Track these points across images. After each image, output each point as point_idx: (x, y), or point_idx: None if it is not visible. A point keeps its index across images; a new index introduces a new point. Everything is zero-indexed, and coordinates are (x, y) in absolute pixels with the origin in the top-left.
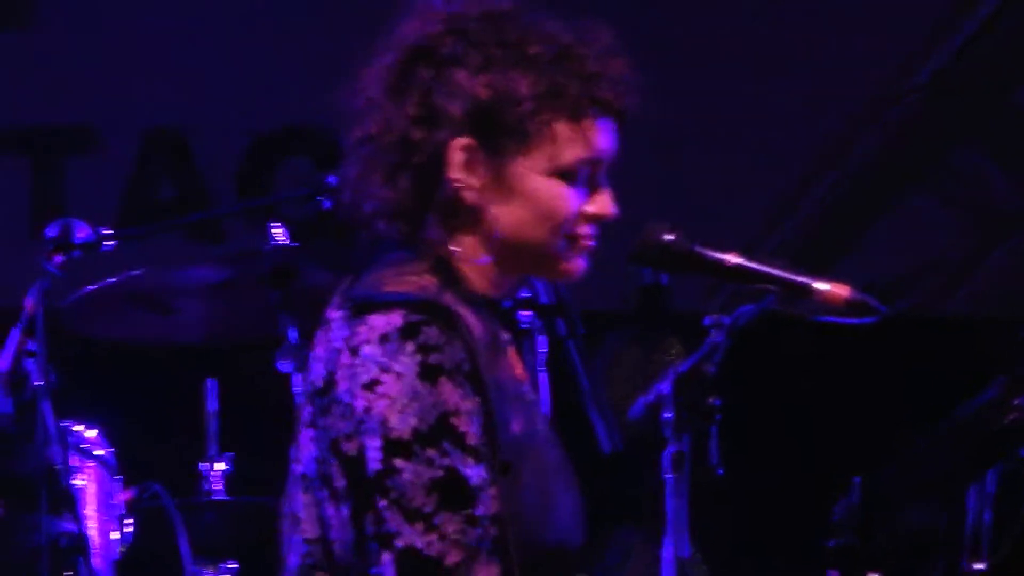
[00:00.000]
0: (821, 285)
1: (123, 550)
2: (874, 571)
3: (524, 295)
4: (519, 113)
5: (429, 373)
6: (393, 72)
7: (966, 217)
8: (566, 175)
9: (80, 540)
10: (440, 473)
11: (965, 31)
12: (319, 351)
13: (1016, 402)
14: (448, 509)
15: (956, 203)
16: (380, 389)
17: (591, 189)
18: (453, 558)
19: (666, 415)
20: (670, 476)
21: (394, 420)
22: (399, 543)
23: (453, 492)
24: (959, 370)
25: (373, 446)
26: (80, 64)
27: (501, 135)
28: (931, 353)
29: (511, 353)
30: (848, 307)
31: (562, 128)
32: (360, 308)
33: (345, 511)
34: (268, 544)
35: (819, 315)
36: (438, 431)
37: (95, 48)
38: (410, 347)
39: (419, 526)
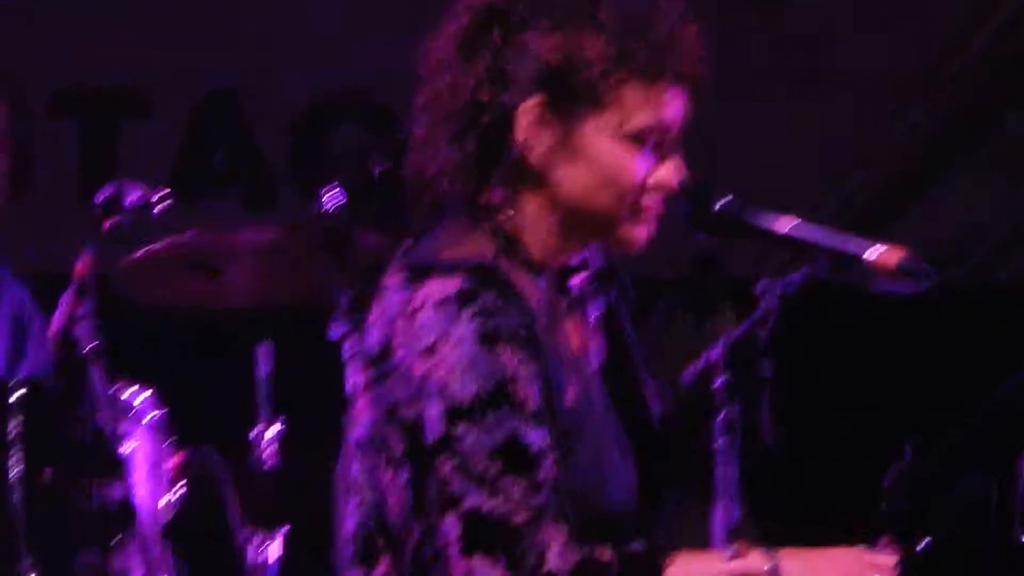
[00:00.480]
0: (872, 252)
1: (173, 515)
2: (926, 537)
3: (576, 261)
4: (588, 76)
5: (487, 338)
6: (464, 33)
7: (1017, 186)
8: (635, 140)
9: (129, 506)
10: (501, 439)
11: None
12: (375, 317)
13: None
14: (512, 474)
15: (1007, 171)
16: (438, 355)
17: (659, 157)
18: (520, 518)
19: (717, 382)
20: (721, 442)
21: (454, 386)
22: (466, 505)
23: (516, 457)
24: (1011, 339)
25: (433, 412)
26: (131, 25)
27: (569, 97)
28: (983, 321)
29: (569, 321)
30: (899, 273)
31: (631, 92)
32: (416, 273)
33: (404, 476)
34: (320, 511)
35: (871, 282)
36: (498, 396)
37: (146, 7)
38: (467, 313)
39: (484, 490)
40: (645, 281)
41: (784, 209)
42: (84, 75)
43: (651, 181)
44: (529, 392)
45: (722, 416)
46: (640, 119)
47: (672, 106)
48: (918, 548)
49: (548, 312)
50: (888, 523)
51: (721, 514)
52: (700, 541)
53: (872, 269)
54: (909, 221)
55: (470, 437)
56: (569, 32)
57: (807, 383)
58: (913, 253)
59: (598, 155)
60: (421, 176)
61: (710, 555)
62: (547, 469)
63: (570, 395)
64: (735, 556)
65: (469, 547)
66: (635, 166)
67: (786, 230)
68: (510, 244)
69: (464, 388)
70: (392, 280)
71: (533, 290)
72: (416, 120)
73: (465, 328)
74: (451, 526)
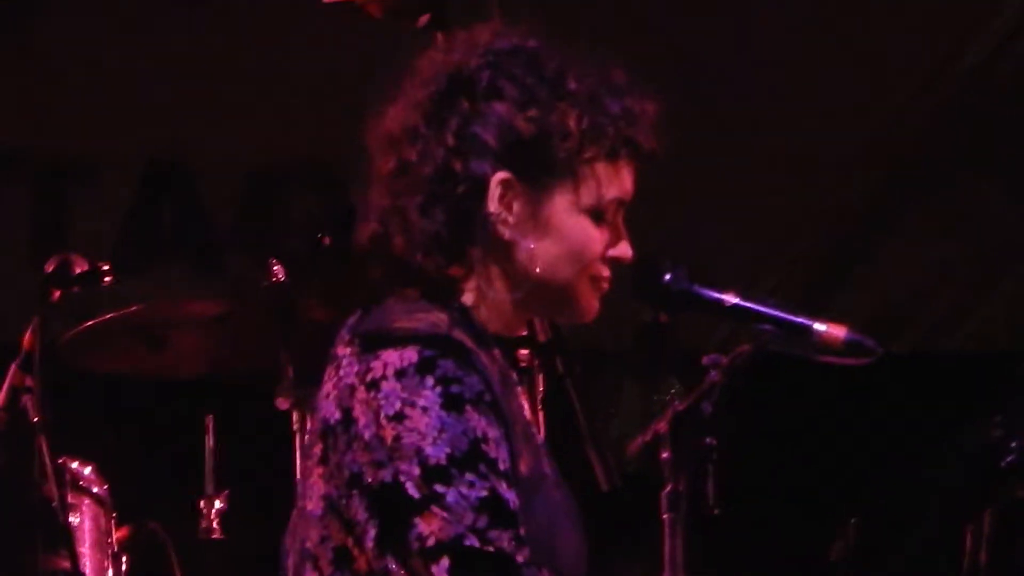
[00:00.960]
0: (819, 326)
1: None
2: None
3: (522, 333)
4: (564, 149)
5: (453, 403)
6: (431, 103)
7: (968, 251)
8: (597, 215)
9: None
10: (484, 493)
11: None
12: (329, 388)
13: (1013, 444)
14: (499, 527)
15: (950, 242)
16: (408, 423)
17: (613, 231)
18: (521, 557)
19: (664, 455)
20: (667, 515)
21: (428, 450)
22: (462, 545)
23: (499, 511)
24: (957, 407)
25: (411, 474)
26: (79, 93)
27: (542, 170)
28: (929, 390)
29: (520, 393)
30: (845, 348)
31: (601, 167)
32: (370, 344)
33: (368, 542)
34: None
35: (816, 355)
36: (472, 456)
37: (95, 75)
38: (429, 381)
39: (478, 537)
40: (592, 353)
41: (725, 282)
42: (34, 143)
43: (610, 253)
44: (499, 453)
45: (668, 489)
46: (608, 192)
47: (629, 180)
48: None
49: (502, 382)
50: None
51: None
52: None
53: (820, 343)
54: (851, 291)
55: (451, 495)
56: (544, 104)
57: (754, 456)
58: (857, 328)
59: (566, 229)
60: (386, 246)
61: None
62: (520, 528)
63: (523, 464)
64: None
65: None
66: (598, 240)
67: (734, 303)
68: (464, 316)
69: (438, 451)
70: (344, 351)
71: (486, 361)
72: (376, 190)
73: (429, 396)
74: (439, 572)
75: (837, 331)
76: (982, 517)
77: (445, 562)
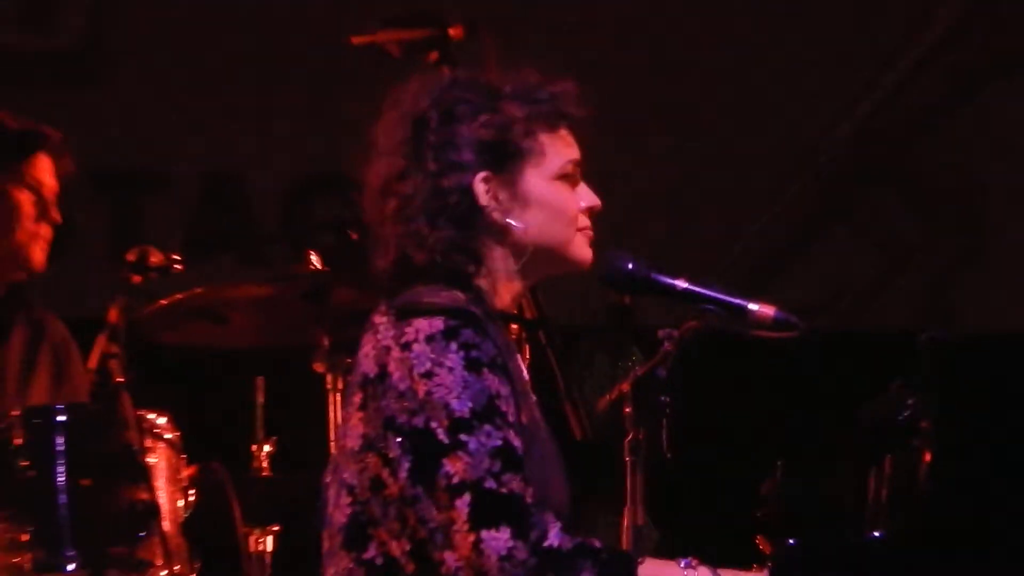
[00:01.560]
0: (753, 306)
1: (187, 515)
2: (793, 536)
3: (513, 312)
4: (517, 135)
5: (473, 365)
6: (407, 146)
7: (875, 249)
8: (563, 177)
9: (153, 507)
10: (499, 443)
11: (879, 95)
12: (367, 348)
13: (909, 402)
14: (510, 471)
15: (869, 239)
16: (436, 380)
17: (580, 187)
18: (529, 498)
19: (627, 410)
20: (629, 458)
21: (454, 404)
22: (480, 488)
23: (510, 457)
24: (866, 375)
25: (440, 424)
26: (149, 116)
27: (508, 159)
28: (845, 361)
29: (519, 358)
30: (774, 324)
31: (546, 139)
32: (403, 314)
33: (403, 473)
34: (305, 510)
35: (751, 330)
36: (489, 411)
37: (165, 108)
38: (453, 346)
39: (494, 480)
40: (569, 328)
41: (685, 266)
42: (116, 159)
43: (583, 205)
44: (509, 408)
45: (630, 437)
46: (561, 157)
47: (570, 143)
48: (788, 547)
49: (506, 348)
50: (763, 524)
51: (629, 520)
52: (612, 539)
53: (754, 320)
54: (786, 279)
55: (472, 443)
56: (489, 110)
57: (700, 411)
58: (785, 307)
59: (542, 197)
60: (408, 263)
61: (669, 564)
62: (526, 472)
63: (524, 415)
64: (689, 566)
65: (478, 521)
66: (569, 199)
67: (684, 287)
68: (477, 296)
69: (462, 406)
70: (380, 320)
71: (494, 331)
72: (386, 228)
73: (454, 357)
74: (462, 506)
75: (767, 310)
76: (883, 462)
77: (467, 497)
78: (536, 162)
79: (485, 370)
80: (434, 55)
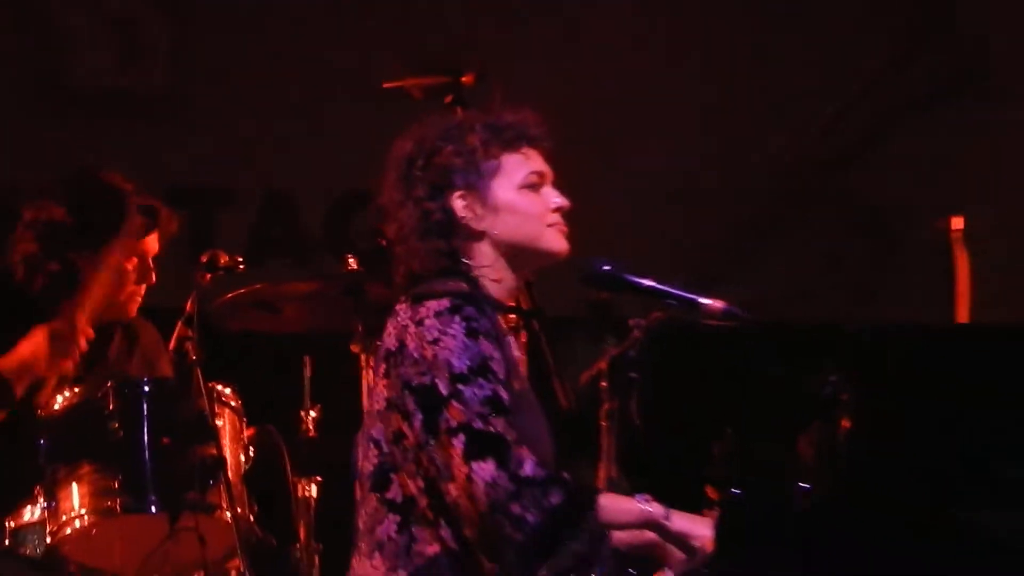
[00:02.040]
0: (706, 300)
1: (247, 468)
2: (738, 489)
3: (512, 304)
4: (477, 158)
5: (472, 333)
6: (401, 180)
7: (808, 258)
8: (528, 186)
9: (220, 461)
10: (489, 392)
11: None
12: (390, 329)
13: (831, 379)
14: (498, 415)
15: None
16: (442, 344)
17: (547, 192)
18: (510, 437)
19: (603, 384)
20: (604, 424)
21: (455, 361)
22: (472, 427)
23: (498, 405)
24: (801, 358)
25: (443, 378)
26: (219, 144)
27: (479, 177)
28: (783, 348)
29: (511, 339)
30: (723, 315)
31: (508, 158)
32: (418, 299)
33: (416, 423)
34: (343, 465)
35: (705, 320)
36: (483, 368)
37: (232, 136)
38: (457, 318)
39: (483, 421)
40: (558, 319)
41: (648, 269)
42: (193, 179)
43: (552, 205)
44: (499, 368)
45: (606, 407)
46: (522, 170)
47: (534, 159)
48: (733, 496)
49: (499, 329)
50: (713, 481)
51: (604, 472)
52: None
53: (706, 312)
54: (733, 279)
55: (468, 391)
56: (460, 140)
57: (663, 387)
58: (732, 302)
59: (512, 203)
60: (410, 269)
61: (628, 499)
62: (511, 417)
63: (516, 383)
64: (644, 500)
65: (470, 455)
66: (535, 201)
67: (651, 285)
68: (475, 286)
69: (461, 363)
70: (400, 306)
71: (490, 314)
72: (396, 248)
73: (457, 328)
74: (458, 445)
75: (718, 304)
76: (811, 430)
77: (462, 437)
78: (501, 177)
79: (481, 338)
80: (449, 98)
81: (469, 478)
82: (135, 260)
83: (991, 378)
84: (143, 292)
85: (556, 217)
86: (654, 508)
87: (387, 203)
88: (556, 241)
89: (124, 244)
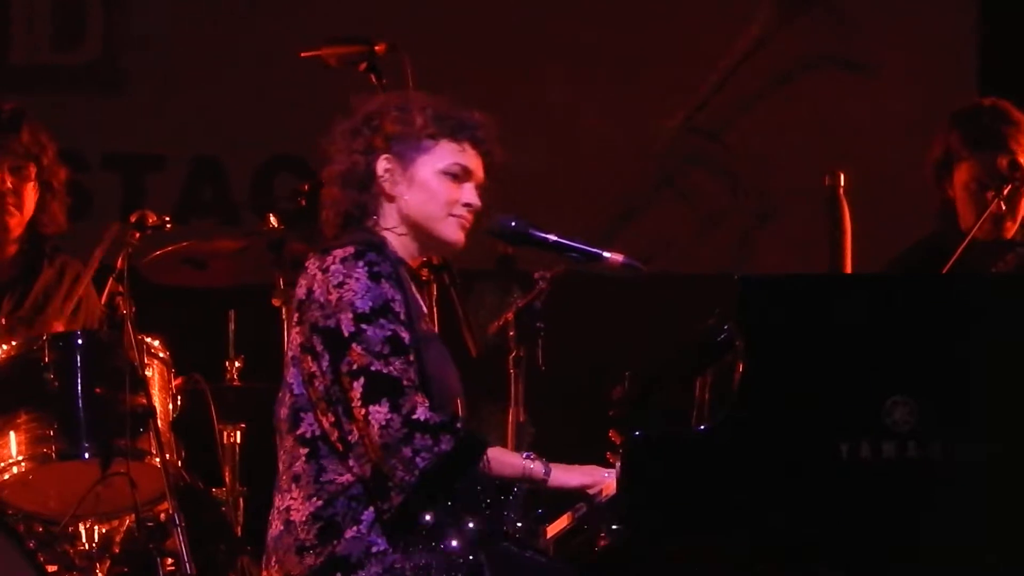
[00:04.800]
0: (607, 253)
1: (175, 415)
2: (639, 430)
3: (422, 260)
4: (415, 131)
5: (375, 276)
6: (349, 131)
7: (696, 218)
8: (449, 175)
9: (149, 409)
10: (389, 332)
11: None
12: (301, 280)
13: (724, 327)
14: (396, 354)
15: (692, 207)
16: (346, 287)
17: (465, 186)
18: (405, 381)
19: (511, 333)
20: (512, 370)
21: (358, 302)
22: (370, 370)
23: (397, 344)
24: (689, 308)
25: (346, 319)
26: (149, 113)
27: (408, 149)
28: (671, 297)
29: (421, 292)
30: (622, 267)
31: (444, 143)
32: (326, 249)
33: (325, 363)
34: (265, 411)
35: (605, 271)
36: (385, 309)
37: (162, 105)
38: (360, 263)
39: (381, 362)
40: (467, 271)
41: (554, 225)
42: (125, 146)
43: (462, 200)
44: (400, 309)
45: (513, 354)
46: (448, 158)
47: (469, 156)
48: (633, 436)
49: (403, 276)
50: (614, 421)
51: (512, 417)
52: (501, 431)
53: (607, 265)
54: (628, 234)
55: (369, 331)
56: (405, 113)
57: (567, 335)
58: (631, 255)
59: (427, 183)
60: (335, 209)
61: (514, 453)
62: (411, 356)
63: (422, 324)
64: (529, 458)
65: (367, 398)
66: (448, 189)
67: (555, 239)
68: (384, 242)
69: (364, 304)
70: (310, 260)
71: (394, 261)
72: (326, 181)
73: (361, 271)
74: (357, 387)
75: (617, 257)
76: (706, 373)
77: (361, 380)
78: (429, 156)
79: (383, 280)
80: (363, 66)
81: (366, 419)
82: None
83: (875, 322)
84: (13, 225)
85: (463, 211)
86: (535, 466)
87: (331, 148)
88: (452, 231)
89: None
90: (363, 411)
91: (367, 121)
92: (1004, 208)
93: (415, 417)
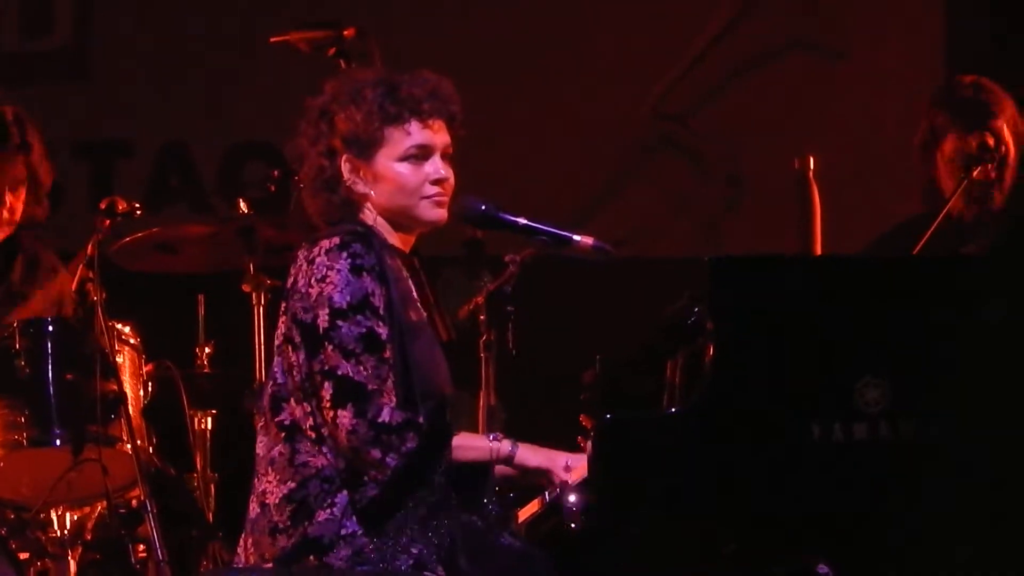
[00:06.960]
0: (577, 237)
1: (146, 402)
2: (610, 414)
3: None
4: (361, 129)
5: (356, 270)
6: (310, 130)
7: (667, 199)
8: (409, 159)
9: (120, 396)
10: (364, 330)
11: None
12: (291, 270)
13: (695, 309)
14: (369, 353)
15: (659, 189)
16: (327, 281)
17: (430, 164)
18: (372, 385)
19: (481, 317)
20: (484, 354)
21: (336, 297)
22: (338, 373)
23: (372, 342)
24: (663, 290)
25: (323, 314)
26: (119, 101)
27: (364, 146)
28: (643, 280)
29: (406, 275)
30: (592, 250)
31: (391, 131)
32: (315, 240)
33: (302, 356)
34: (236, 397)
35: (575, 255)
36: (363, 304)
37: (131, 92)
38: (344, 255)
39: (352, 362)
40: (435, 259)
41: (524, 209)
42: (94, 133)
43: (430, 179)
44: (380, 304)
45: (484, 338)
46: (403, 144)
47: (422, 133)
48: (604, 419)
49: (393, 267)
50: (585, 406)
51: (483, 400)
52: (472, 415)
53: (577, 248)
54: (598, 218)
55: (344, 328)
56: (349, 110)
57: (537, 319)
58: (601, 239)
59: (389, 174)
60: (317, 213)
61: (479, 436)
62: (388, 353)
63: (413, 314)
64: (495, 439)
65: (335, 402)
66: (413, 173)
67: (524, 223)
68: (371, 230)
69: (342, 299)
70: (301, 250)
71: (384, 252)
72: (303, 182)
73: (343, 264)
74: (327, 389)
75: (587, 240)
76: (677, 355)
77: (330, 383)
78: (384, 148)
79: (364, 274)
80: (332, 51)
81: (334, 423)
82: None
83: (846, 303)
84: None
85: (434, 189)
86: (502, 445)
87: (299, 147)
88: (429, 212)
89: None
90: (331, 414)
91: (322, 116)
92: (979, 188)
93: (380, 420)
